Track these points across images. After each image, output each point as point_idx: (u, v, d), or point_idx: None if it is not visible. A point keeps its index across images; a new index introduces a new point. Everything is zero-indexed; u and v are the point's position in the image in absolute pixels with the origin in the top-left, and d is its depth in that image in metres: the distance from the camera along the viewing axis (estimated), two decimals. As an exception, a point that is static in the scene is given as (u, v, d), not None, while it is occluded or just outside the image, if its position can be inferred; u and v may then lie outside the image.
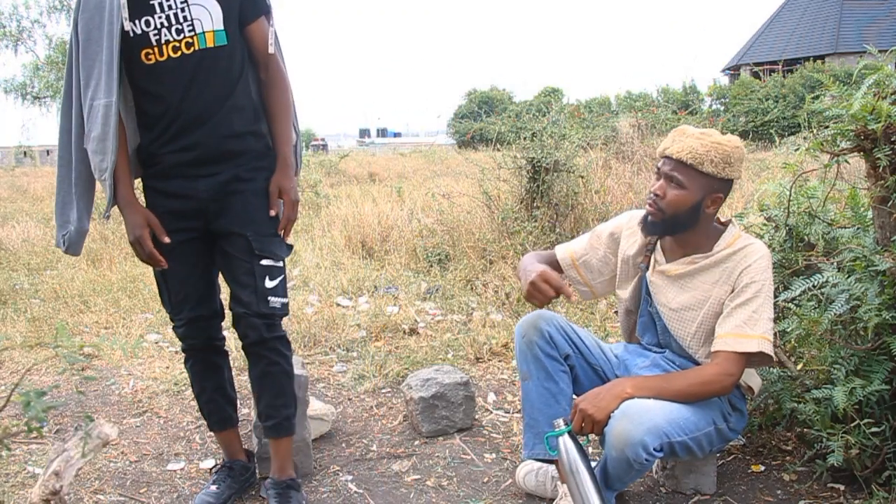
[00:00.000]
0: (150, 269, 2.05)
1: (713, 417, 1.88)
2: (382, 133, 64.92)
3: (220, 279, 2.08)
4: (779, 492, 2.08)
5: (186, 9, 1.82)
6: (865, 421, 1.85)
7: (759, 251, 1.90)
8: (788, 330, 1.99)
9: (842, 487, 2.03)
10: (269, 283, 1.93)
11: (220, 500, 2.06)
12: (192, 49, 1.84)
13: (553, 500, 2.02)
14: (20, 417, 2.58)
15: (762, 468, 2.21)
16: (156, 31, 1.82)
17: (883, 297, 1.83)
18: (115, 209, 1.95)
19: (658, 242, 2.04)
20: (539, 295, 1.90)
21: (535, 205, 4.89)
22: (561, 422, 1.82)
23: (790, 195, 2.24)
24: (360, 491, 2.19)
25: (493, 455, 2.40)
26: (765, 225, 2.37)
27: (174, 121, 1.88)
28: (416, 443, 2.51)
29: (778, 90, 20.90)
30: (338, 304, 4.31)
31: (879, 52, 2.01)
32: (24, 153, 28.33)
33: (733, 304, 1.87)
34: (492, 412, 2.77)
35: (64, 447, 1.40)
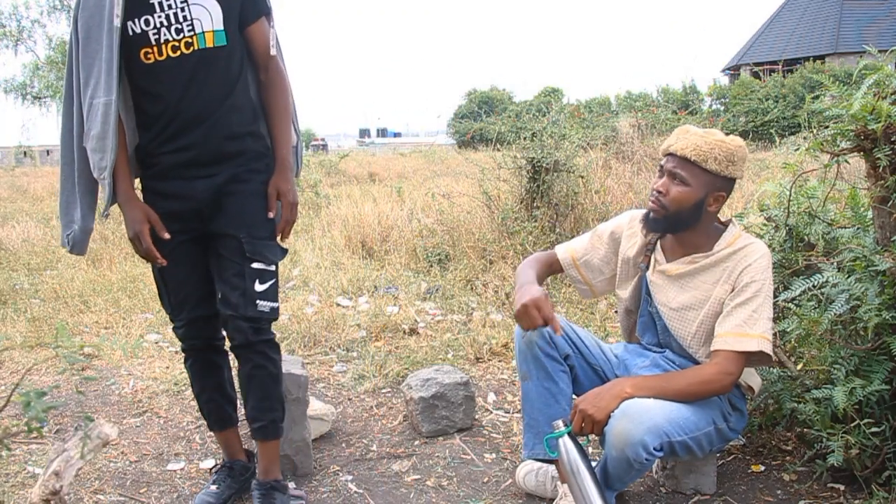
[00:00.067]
0: (150, 268, 2.05)
1: (713, 417, 1.88)
2: (382, 133, 64.93)
3: None
4: (779, 492, 2.08)
5: (186, 8, 1.81)
6: (865, 421, 1.85)
7: (759, 251, 1.90)
8: (788, 330, 1.99)
9: (842, 487, 2.03)
10: (258, 287, 1.92)
11: (220, 500, 2.06)
12: (191, 49, 1.83)
13: (553, 500, 2.02)
14: (20, 417, 2.58)
15: (762, 468, 2.21)
16: (155, 31, 1.82)
17: (883, 297, 1.83)
18: (115, 208, 1.95)
19: (658, 242, 2.04)
20: (527, 319, 1.88)
21: (535, 205, 4.88)
22: (560, 423, 1.82)
23: (790, 195, 2.24)
24: (360, 491, 2.19)
25: (493, 455, 2.40)
26: (765, 225, 2.37)
27: (172, 120, 1.87)
28: (416, 443, 2.51)
29: (778, 90, 20.90)
30: (338, 304, 4.31)
31: (879, 52, 2.01)
32: (24, 153, 28.33)
33: (733, 303, 1.87)
34: (492, 412, 2.77)
35: (64, 447, 1.40)
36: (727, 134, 1.94)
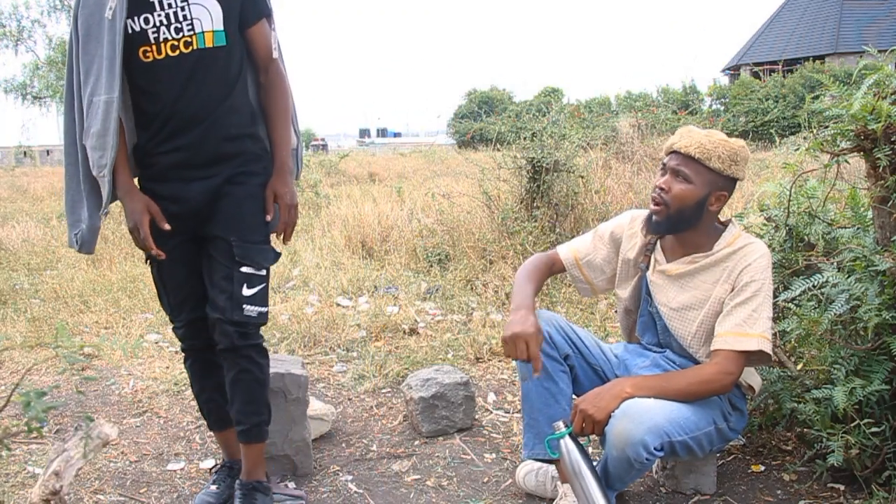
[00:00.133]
0: (150, 269, 2.05)
1: (713, 417, 1.88)
2: (382, 133, 64.93)
3: None
4: (779, 492, 2.08)
5: (186, 8, 1.81)
6: (865, 421, 1.85)
7: (759, 250, 1.90)
8: (788, 330, 1.99)
9: (842, 487, 2.04)
10: (246, 291, 1.90)
11: (220, 500, 2.06)
12: (190, 48, 1.83)
13: (553, 500, 2.02)
14: (20, 417, 2.58)
15: (762, 468, 2.21)
16: (154, 30, 1.81)
17: (883, 297, 1.83)
18: (115, 208, 1.94)
19: (658, 242, 2.04)
20: (512, 351, 1.85)
21: (535, 205, 4.88)
22: (561, 424, 1.82)
23: (790, 195, 2.24)
24: (360, 491, 2.19)
25: (493, 455, 2.40)
26: (765, 225, 2.37)
27: (170, 120, 1.87)
28: (416, 443, 2.51)
29: (778, 90, 20.91)
30: (338, 304, 4.31)
31: (879, 52, 2.01)
32: (24, 153, 28.34)
33: (733, 302, 1.87)
34: (492, 412, 2.77)
35: (64, 447, 1.40)
36: (728, 135, 1.94)
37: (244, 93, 1.95)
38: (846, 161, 2.01)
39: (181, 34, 1.82)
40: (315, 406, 2.52)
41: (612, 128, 7.60)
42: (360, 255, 5.63)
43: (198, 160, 1.89)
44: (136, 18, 1.80)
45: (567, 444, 1.79)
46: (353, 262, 5.41)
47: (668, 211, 1.90)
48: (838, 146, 1.97)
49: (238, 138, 1.92)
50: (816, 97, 2.17)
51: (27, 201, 11.97)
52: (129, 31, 1.80)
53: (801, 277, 2.00)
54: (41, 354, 3.49)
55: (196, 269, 1.98)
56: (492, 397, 2.91)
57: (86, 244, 1.91)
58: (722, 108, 22.20)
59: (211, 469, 2.33)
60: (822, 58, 25.23)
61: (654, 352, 2.07)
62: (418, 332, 3.70)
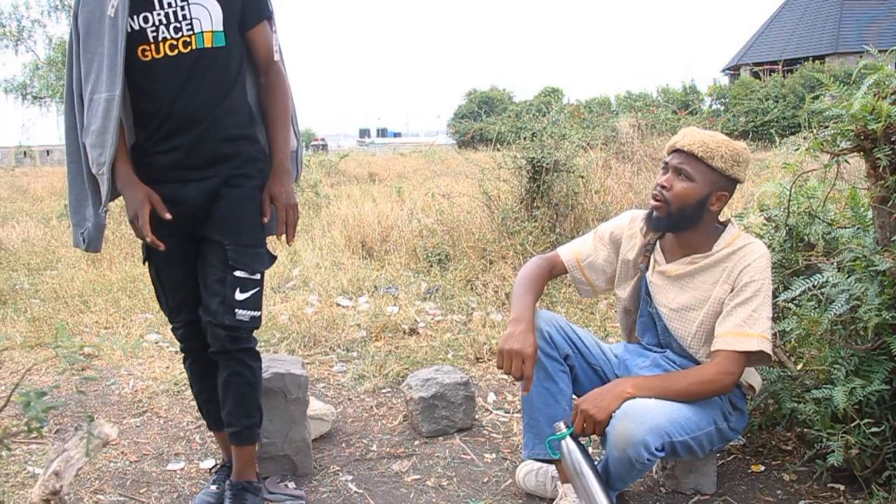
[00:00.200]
0: (149, 269, 2.05)
1: (714, 417, 1.88)
2: (382, 133, 64.93)
3: None
4: (779, 492, 2.08)
5: (186, 7, 1.81)
6: (865, 421, 1.85)
7: (758, 250, 1.90)
8: (788, 330, 1.99)
9: (842, 487, 2.03)
10: (238, 296, 1.89)
11: (220, 500, 2.06)
12: (189, 48, 1.83)
13: (553, 500, 2.02)
14: (20, 417, 2.58)
15: (762, 468, 2.21)
16: (153, 28, 1.81)
17: (883, 297, 1.83)
18: (114, 207, 1.94)
19: (658, 243, 2.04)
20: (507, 365, 1.85)
21: (535, 205, 4.89)
22: (562, 425, 1.82)
23: (790, 195, 2.24)
24: (360, 491, 2.19)
25: (493, 455, 2.40)
26: (765, 225, 2.37)
27: (167, 119, 1.86)
28: (416, 443, 2.51)
29: (778, 90, 20.91)
30: (338, 304, 4.31)
31: (879, 52, 2.01)
32: (24, 153, 28.34)
33: (733, 303, 1.87)
34: (492, 412, 2.77)
35: (64, 447, 1.40)
36: (727, 136, 1.95)
37: (243, 94, 1.95)
38: (846, 161, 2.01)
39: (180, 34, 1.82)
40: (315, 406, 2.52)
41: (612, 128, 7.60)
42: (360, 255, 5.63)
43: (195, 160, 1.89)
44: (135, 17, 1.80)
45: (568, 445, 1.79)
46: (353, 262, 5.41)
47: (669, 208, 1.90)
48: (838, 146, 1.97)
49: (236, 139, 1.92)
50: (816, 97, 2.17)
51: (27, 201, 11.97)
52: (129, 29, 1.80)
53: (801, 277, 2.00)
54: (41, 354, 3.49)
55: (194, 270, 1.98)
56: (492, 397, 2.91)
57: (93, 242, 1.90)
58: (722, 108, 22.21)
59: (211, 469, 2.33)
60: (822, 58, 25.23)
61: (655, 352, 2.07)
62: (418, 332, 3.70)
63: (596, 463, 1.85)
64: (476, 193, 5.48)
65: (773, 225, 2.31)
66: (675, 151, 1.92)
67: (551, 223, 4.79)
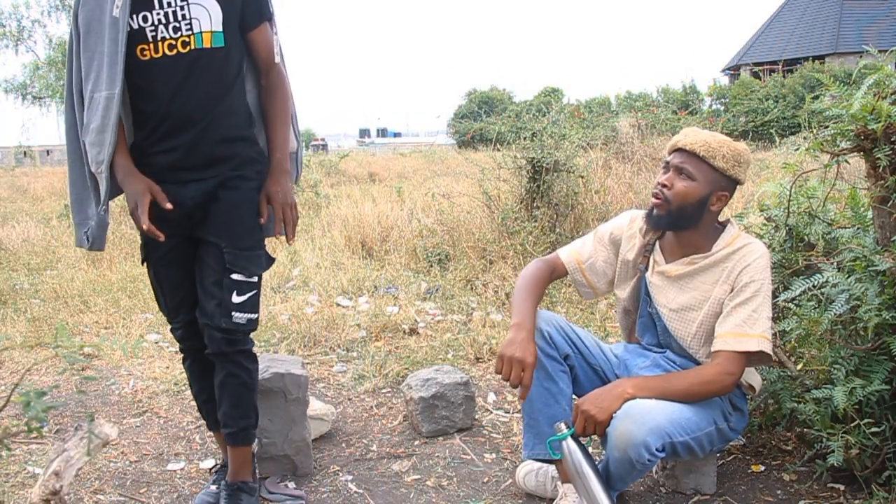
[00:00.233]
0: (147, 270, 2.04)
1: (714, 417, 1.88)
2: (382, 133, 64.92)
3: None
4: (779, 492, 2.08)
5: (186, 7, 1.81)
6: (865, 421, 1.85)
7: (758, 250, 1.90)
8: (788, 330, 1.99)
9: (842, 487, 2.03)
10: (235, 299, 1.89)
11: (219, 500, 2.06)
12: (187, 48, 1.82)
13: (553, 500, 2.02)
14: (20, 417, 2.58)
15: (762, 468, 2.21)
16: (152, 28, 1.81)
17: (883, 297, 1.83)
18: (114, 207, 1.94)
19: (657, 243, 2.04)
20: (505, 371, 1.84)
21: (535, 205, 4.89)
22: (563, 425, 1.82)
23: (790, 195, 2.24)
24: (360, 491, 2.19)
25: (493, 455, 2.40)
26: (765, 225, 2.37)
27: (165, 119, 1.86)
28: (416, 443, 2.51)
29: (778, 90, 20.91)
30: (338, 304, 4.31)
31: (879, 52, 2.01)
32: (24, 153, 28.33)
33: (733, 303, 1.87)
34: (492, 412, 2.77)
35: (64, 447, 1.40)
36: (728, 136, 1.95)
37: (242, 95, 1.95)
38: (846, 161, 2.01)
39: (179, 33, 1.82)
40: (315, 406, 2.52)
41: (612, 128, 7.60)
42: (360, 255, 5.63)
43: (193, 161, 1.88)
44: (135, 16, 1.80)
45: (569, 446, 1.79)
46: (353, 262, 5.41)
47: (670, 207, 1.90)
48: (838, 146, 1.97)
49: (234, 141, 1.91)
50: (816, 97, 2.17)
51: (27, 201, 11.97)
52: (129, 28, 1.80)
53: (801, 277, 2.00)
54: (41, 354, 3.49)
55: (192, 270, 1.98)
56: (492, 397, 2.91)
57: (97, 241, 1.90)
58: (722, 108, 22.21)
59: (211, 469, 2.33)
60: (822, 58, 25.23)
61: (655, 352, 2.07)
62: (418, 332, 3.70)
63: (597, 463, 1.85)
64: (476, 193, 5.48)
65: (773, 225, 2.31)
66: (677, 150, 1.92)
67: (551, 223, 4.79)
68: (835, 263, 1.99)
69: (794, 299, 2.02)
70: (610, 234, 2.13)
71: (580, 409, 1.81)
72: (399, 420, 2.70)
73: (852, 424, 1.88)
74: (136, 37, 1.81)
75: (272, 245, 5.47)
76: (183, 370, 2.31)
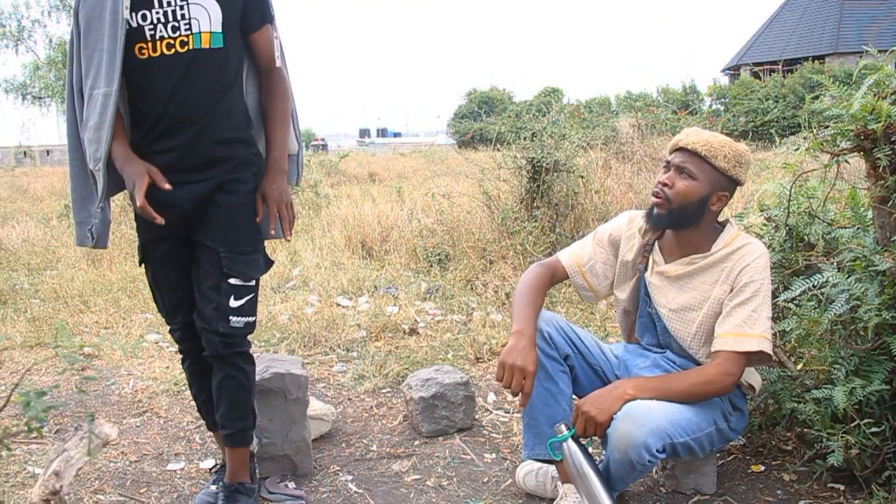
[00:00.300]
0: (145, 271, 2.04)
1: (714, 417, 1.88)
2: (382, 133, 64.95)
3: None
4: (779, 492, 2.08)
5: (185, 7, 1.81)
6: (865, 421, 1.85)
7: (757, 250, 1.90)
8: (788, 330, 1.99)
9: (842, 487, 2.03)
10: (233, 303, 1.90)
11: (218, 501, 2.06)
12: (186, 48, 1.82)
13: (553, 500, 2.02)
14: (20, 417, 2.58)
15: (762, 468, 2.21)
16: (151, 27, 1.81)
17: (883, 297, 1.83)
18: (113, 208, 1.93)
19: (656, 243, 2.04)
20: (506, 378, 1.83)
21: (535, 205, 4.89)
22: (563, 427, 1.81)
23: (790, 195, 2.24)
24: (360, 491, 2.19)
25: (493, 455, 2.40)
26: (765, 225, 2.37)
27: (162, 119, 1.86)
28: (416, 443, 2.51)
29: (778, 90, 20.92)
30: (338, 304, 4.31)
31: (879, 52, 2.01)
32: (24, 153, 28.33)
33: (732, 303, 1.87)
34: (492, 412, 2.77)
35: (64, 447, 1.40)
36: (728, 136, 1.96)
37: (240, 97, 1.94)
38: (846, 161, 2.01)
39: (178, 33, 1.82)
40: (315, 406, 2.52)
41: (612, 128, 7.60)
42: (360, 255, 5.63)
43: (189, 162, 1.88)
44: (134, 14, 1.80)
45: (570, 447, 1.79)
46: (353, 262, 5.41)
47: (670, 206, 1.90)
48: (838, 146, 1.97)
49: (231, 142, 1.91)
50: (816, 97, 2.17)
51: (27, 201, 11.97)
52: (128, 26, 1.80)
53: (801, 277, 2.00)
54: (41, 354, 3.49)
55: (189, 272, 1.97)
56: (492, 397, 2.91)
57: (101, 238, 1.90)
58: (722, 108, 22.22)
59: (211, 469, 2.33)
60: (822, 58, 25.24)
61: (654, 352, 2.07)
62: (418, 332, 3.70)
63: (597, 463, 1.85)
64: (476, 193, 5.48)
65: (773, 225, 2.31)
66: (678, 150, 1.93)
67: (551, 223, 4.79)
68: (835, 263, 1.99)
69: (794, 299, 2.02)
70: (609, 235, 2.13)
71: (581, 411, 1.80)
72: (399, 420, 2.70)
73: (852, 424, 1.88)
74: (134, 35, 1.81)
75: (272, 247, 5.47)
76: (182, 370, 2.31)
